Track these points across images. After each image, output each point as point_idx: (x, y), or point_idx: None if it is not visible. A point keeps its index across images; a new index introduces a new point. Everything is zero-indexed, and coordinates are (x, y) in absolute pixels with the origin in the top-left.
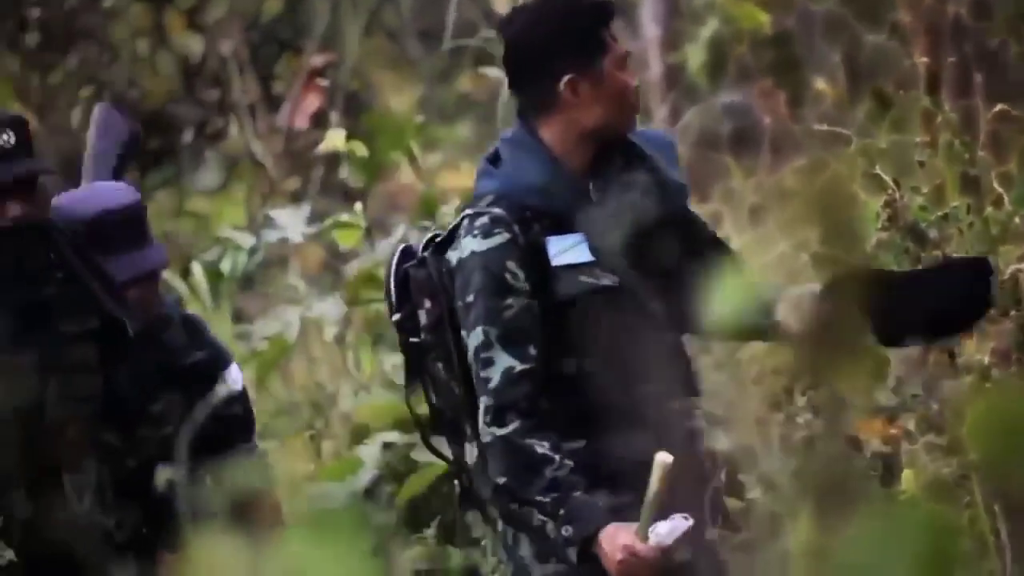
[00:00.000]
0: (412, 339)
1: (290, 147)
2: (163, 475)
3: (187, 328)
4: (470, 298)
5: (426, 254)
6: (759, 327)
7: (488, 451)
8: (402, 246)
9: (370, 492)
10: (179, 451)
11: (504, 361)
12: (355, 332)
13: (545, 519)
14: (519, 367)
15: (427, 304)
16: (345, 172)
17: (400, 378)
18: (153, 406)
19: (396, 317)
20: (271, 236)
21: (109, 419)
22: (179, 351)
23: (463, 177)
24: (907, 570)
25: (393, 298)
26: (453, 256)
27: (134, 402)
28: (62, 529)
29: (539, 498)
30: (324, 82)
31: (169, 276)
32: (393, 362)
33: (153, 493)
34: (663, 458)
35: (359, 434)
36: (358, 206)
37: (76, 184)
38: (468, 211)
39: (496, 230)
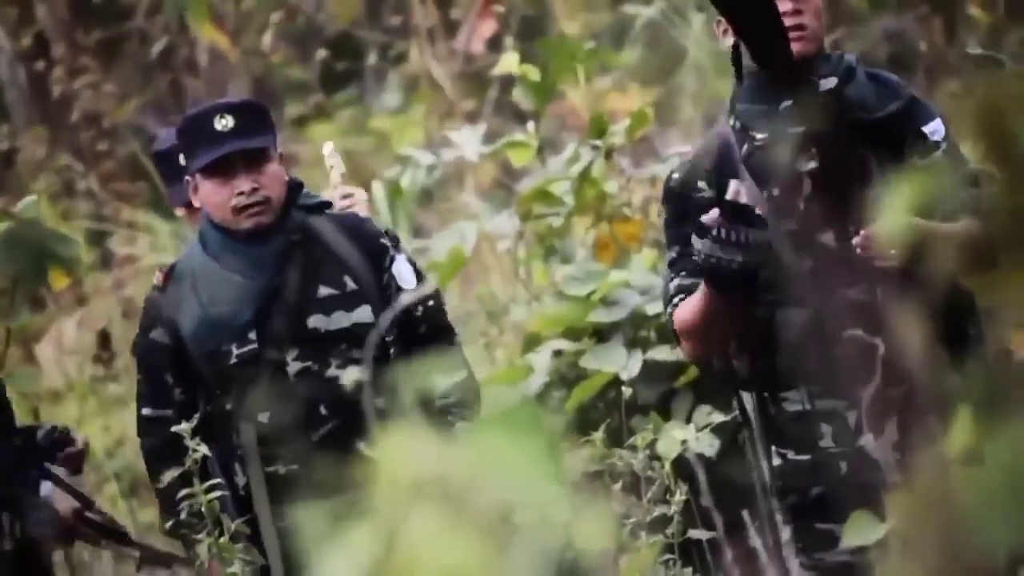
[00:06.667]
0: None
1: (467, 70)
2: (351, 375)
3: None
4: None
5: None
6: None
7: None
8: None
9: (540, 397)
10: (367, 349)
11: None
12: (527, 245)
13: None
14: None
15: None
16: (518, 94)
17: (571, 288)
18: None
19: None
20: (448, 154)
21: None
22: None
23: (630, 99)
24: None
25: None
26: None
27: None
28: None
29: None
30: (500, 8)
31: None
32: (563, 273)
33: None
34: None
35: (530, 342)
36: (531, 126)
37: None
38: None
39: None
